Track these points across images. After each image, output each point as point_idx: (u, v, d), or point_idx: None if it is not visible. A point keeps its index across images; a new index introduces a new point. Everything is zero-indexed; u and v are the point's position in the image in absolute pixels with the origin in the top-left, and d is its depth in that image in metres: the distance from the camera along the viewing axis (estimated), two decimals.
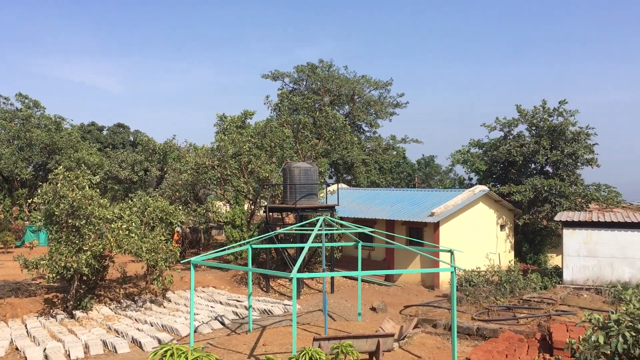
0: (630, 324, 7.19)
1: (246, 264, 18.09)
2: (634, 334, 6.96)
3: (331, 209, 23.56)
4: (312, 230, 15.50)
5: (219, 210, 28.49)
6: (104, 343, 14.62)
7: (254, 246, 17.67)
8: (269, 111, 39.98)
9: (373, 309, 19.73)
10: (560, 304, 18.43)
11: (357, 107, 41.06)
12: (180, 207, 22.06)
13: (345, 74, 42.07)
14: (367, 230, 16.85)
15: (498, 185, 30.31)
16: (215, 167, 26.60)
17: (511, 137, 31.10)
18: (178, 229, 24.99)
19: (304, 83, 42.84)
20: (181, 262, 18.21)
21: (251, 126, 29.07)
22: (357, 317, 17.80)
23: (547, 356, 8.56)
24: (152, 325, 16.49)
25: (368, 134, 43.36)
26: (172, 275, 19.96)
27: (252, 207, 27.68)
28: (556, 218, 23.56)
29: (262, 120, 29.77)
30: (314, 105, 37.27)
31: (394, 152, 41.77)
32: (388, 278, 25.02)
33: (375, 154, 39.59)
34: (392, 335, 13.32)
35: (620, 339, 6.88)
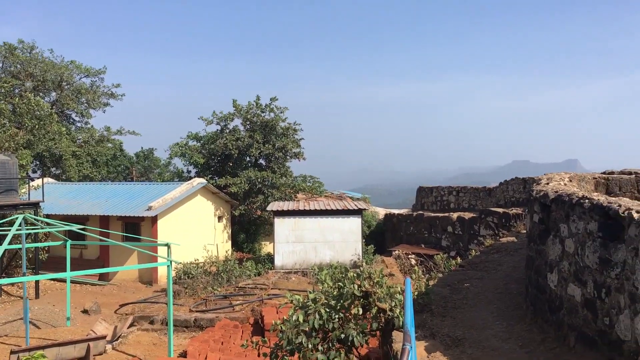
0: (325, 301, 7.96)
1: None
2: (328, 310, 7.72)
3: (35, 205, 21.31)
4: (9, 230, 13.75)
5: None
6: None
7: None
8: None
9: (85, 311, 18.42)
10: (272, 288, 19.67)
11: (65, 94, 37.64)
12: None
13: (50, 58, 38.27)
14: (76, 227, 15.64)
15: (216, 178, 31.03)
16: None
17: (227, 131, 32.09)
18: None
19: (1, 65, 37.71)
20: None
21: None
22: (65, 323, 16.41)
23: (256, 338, 8.99)
24: None
25: (79, 124, 40.20)
26: None
27: None
28: (268, 208, 25.08)
29: None
30: (13, 90, 33.06)
31: (110, 145, 39.54)
32: (103, 277, 23.64)
33: (88, 145, 36.84)
34: (104, 337, 12.63)
35: (317, 316, 7.55)
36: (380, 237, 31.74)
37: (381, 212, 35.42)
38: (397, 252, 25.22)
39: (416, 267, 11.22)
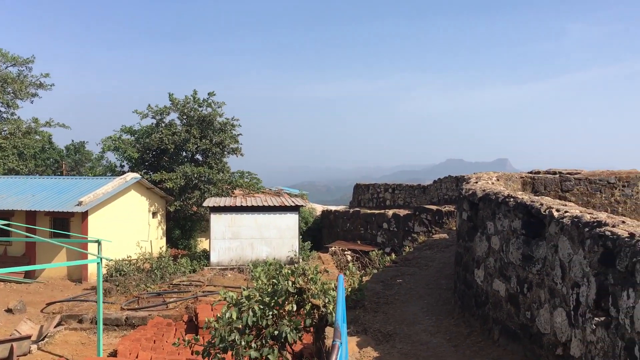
0: (259, 298, 7.94)
1: None
2: (262, 307, 7.71)
3: None
4: None
5: None
6: None
7: None
8: None
9: (9, 310, 17.62)
10: (207, 285, 19.44)
11: None
12: None
13: None
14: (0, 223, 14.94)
15: (151, 173, 30.33)
16: None
17: (163, 125, 31.41)
18: None
19: None
20: None
21: None
22: None
23: (189, 336, 8.86)
24: None
25: (5, 115, 38.26)
26: None
27: None
28: (205, 204, 24.77)
29: None
30: None
31: (38, 137, 37.90)
32: (29, 274, 22.68)
33: (14, 137, 35.17)
34: (28, 337, 12.16)
35: (250, 313, 7.53)
36: (318, 234, 31.92)
37: (318, 208, 35.60)
38: (333, 248, 25.43)
39: (350, 264, 11.37)
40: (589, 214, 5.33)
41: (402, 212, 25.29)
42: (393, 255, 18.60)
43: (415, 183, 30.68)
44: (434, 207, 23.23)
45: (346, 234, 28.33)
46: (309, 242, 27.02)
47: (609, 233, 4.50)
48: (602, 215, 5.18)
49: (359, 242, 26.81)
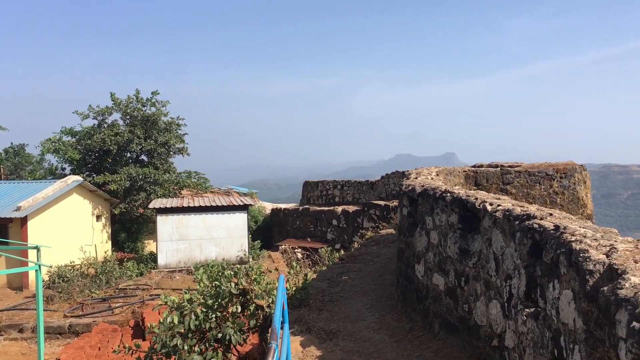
0: (202, 301, 7.82)
1: None
2: (205, 310, 7.58)
3: None
4: None
5: None
6: None
7: None
8: None
9: None
10: (155, 289, 19.09)
11: None
12: None
13: None
14: None
15: (93, 175, 29.46)
16: None
17: (105, 125, 30.55)
18: None
19: None
20: None
21: None
22: None
23: (136, 341, 8.64)
24: None
25: None
26: None
27: None
28: (151, 205, 24.27)
29: None
30: None
31: None
32: None
33: None
34: None
35: (193, 316, 7.40)
36: (268, 232, 31.77)
37: (268, 207, 35.44)
38: (283, 246, 25.38)
39: (294, 263, 11.35)
40: (520, 207, 5.46)
41: (352, 208, 25.45)
42: (342, 252, 18.70)
43: (364, 179, 30.93)
44: (382, 203, 23.48)
45: (296, 231, 28.32)
46: (259, 241, 26.87)
47: (537, 226, 4.62)
48: (532, 208, 5.31)
49: (309, 239, 26.84)
